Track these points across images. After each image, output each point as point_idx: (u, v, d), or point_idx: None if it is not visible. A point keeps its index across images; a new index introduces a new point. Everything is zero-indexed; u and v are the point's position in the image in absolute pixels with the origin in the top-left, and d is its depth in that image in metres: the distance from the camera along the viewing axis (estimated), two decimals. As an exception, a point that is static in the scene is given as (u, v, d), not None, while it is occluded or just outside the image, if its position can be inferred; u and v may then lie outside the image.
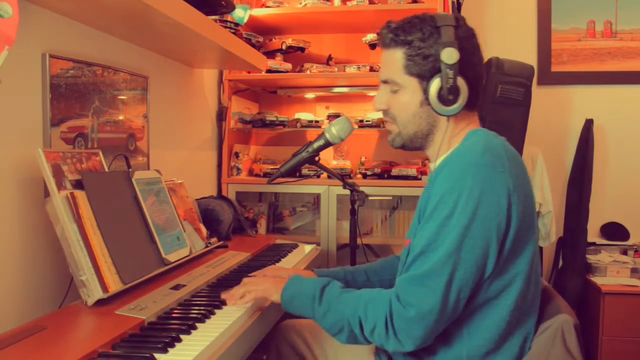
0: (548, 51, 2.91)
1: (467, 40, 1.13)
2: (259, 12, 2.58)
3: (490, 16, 2.95)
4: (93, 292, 1.13)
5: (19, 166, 1.22)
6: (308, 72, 2.59)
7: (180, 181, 1.72)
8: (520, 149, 2.44)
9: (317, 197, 2.68)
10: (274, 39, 2.73)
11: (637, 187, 2.87)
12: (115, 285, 1.18)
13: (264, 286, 1.24)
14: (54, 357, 0.90)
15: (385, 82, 1.20)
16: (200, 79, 2.34)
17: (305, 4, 2.56)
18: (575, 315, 1.07)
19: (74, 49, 1.41)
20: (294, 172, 1.86)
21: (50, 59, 1.30)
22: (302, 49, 2.73)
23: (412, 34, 1.13)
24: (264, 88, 2.89)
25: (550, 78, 2.91)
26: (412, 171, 2.47)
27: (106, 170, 1.39)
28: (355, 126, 2.27)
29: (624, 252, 2.71)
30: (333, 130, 1.68)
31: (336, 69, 2.68)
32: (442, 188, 1.05)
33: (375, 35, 2.60)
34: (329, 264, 2.46)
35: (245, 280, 1.30)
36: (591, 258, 2.67)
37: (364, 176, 2.56)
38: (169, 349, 0.96)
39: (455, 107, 1.12)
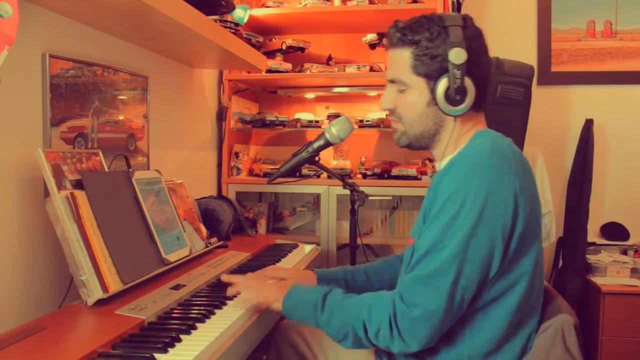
0: (548, 51, 2.91)
1: (474, 41, 1.13)
2: (259, 12, 2.58)
3: (490, 16, 2.95)
4: (93, 292, 1.13)
5: (19, 166, 1.22)
6: (308, 72, 2.59)
7: (180, 181, 1.72)
8: (520, 149, 2.43)
9: (317, 197, 2.68)
10: (274, 39, 2.73)
11: (637, 187, 2.87)
12: (115, 285, 1.18)
13: (265, 293, 1.23)
14: (54, 357, 0.90)
15: (392, 81, 1.20)
16: (200, 79, 2.34)
17: (305, 4, 2.56)
18: (575, 315, 1.07)
19: (74, 49, 1.41)
20: (294, 172, 1.86)
21: (50, 59, 1.30)
22: (302, 49, 2.73)
23: (420, 33, 1.13)
24: (264, 88, 2.89)
25: (550, 78, 2.91)
26: (412, 171, 2.47)
27: (106, 170, 1.39)
28: (355, 126, 2.27)
29: (624, 252, 2.71)
30: (333, 130, 1.68)
31: (336, 69, 2.67)
32: (448, 188, 1.05)
33: (375, 35, 2.60)
34: (329, 264, 2.46)
35: (247, 280, 1.29)
36: (591, 258, 2.67)
37: (364, 176, 2.56)
38: (169, 349, 0.96)
39: (463, 107, 1.12)
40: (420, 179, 2.46)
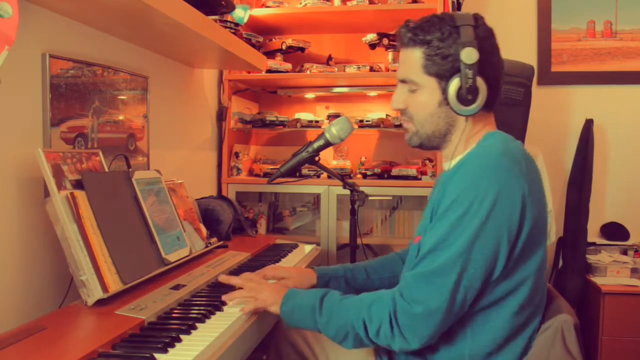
0: (548, 51, 2.91)
1: (486, 40, 1.13)
2: (259, 12, 2.58)
3: (490, 16, 2.90)
4: (93, 292, 1.13)
5: (19, 166, 1.22)
6: (308, 72, 2.59)
7: (180, 181, 1.72)
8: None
9: (317, 197, 2.67)
10: (274, 39, 2.73)
11: (637, 187, 2.86)
12: (115, 285, 1.18)
13: (263, 296, 1.23)
14: (54, 357, 0.90)
15: (403, 81, 1.19)
16: (200, 79, 2.34)
17: (305, 4, 2.56)
18: (575, 315, 1.07)
19: (74, 49, 1.41)
20: (294, 172, 1.86)
21: (50, 59, 1.30)
22: (302, 49, 2.73)
23: (431, 33, 1.13)
24: (264, 88, 2.89)
25: (550, 78, 2.91)
26: (412, 171, 2.47)
27: (106, 170, 1.39)
28: (355, 126, 2.27)
29: (624, 252, 2.71)
30: (333, 130, 1.68)
31: (336, 69, 2.67)
32: (457, 188, 1.05)
33: (375, 35, 2.60)
34: (329, 264, 2.45)
35: (245, 282, 1.29)
36: (591, 258, 2.67)
37: (364, 176, 2.56)
38: (169, 349, 0.96)
39: (474, 107, 1.12)
40: (420, 179, 2.46)
